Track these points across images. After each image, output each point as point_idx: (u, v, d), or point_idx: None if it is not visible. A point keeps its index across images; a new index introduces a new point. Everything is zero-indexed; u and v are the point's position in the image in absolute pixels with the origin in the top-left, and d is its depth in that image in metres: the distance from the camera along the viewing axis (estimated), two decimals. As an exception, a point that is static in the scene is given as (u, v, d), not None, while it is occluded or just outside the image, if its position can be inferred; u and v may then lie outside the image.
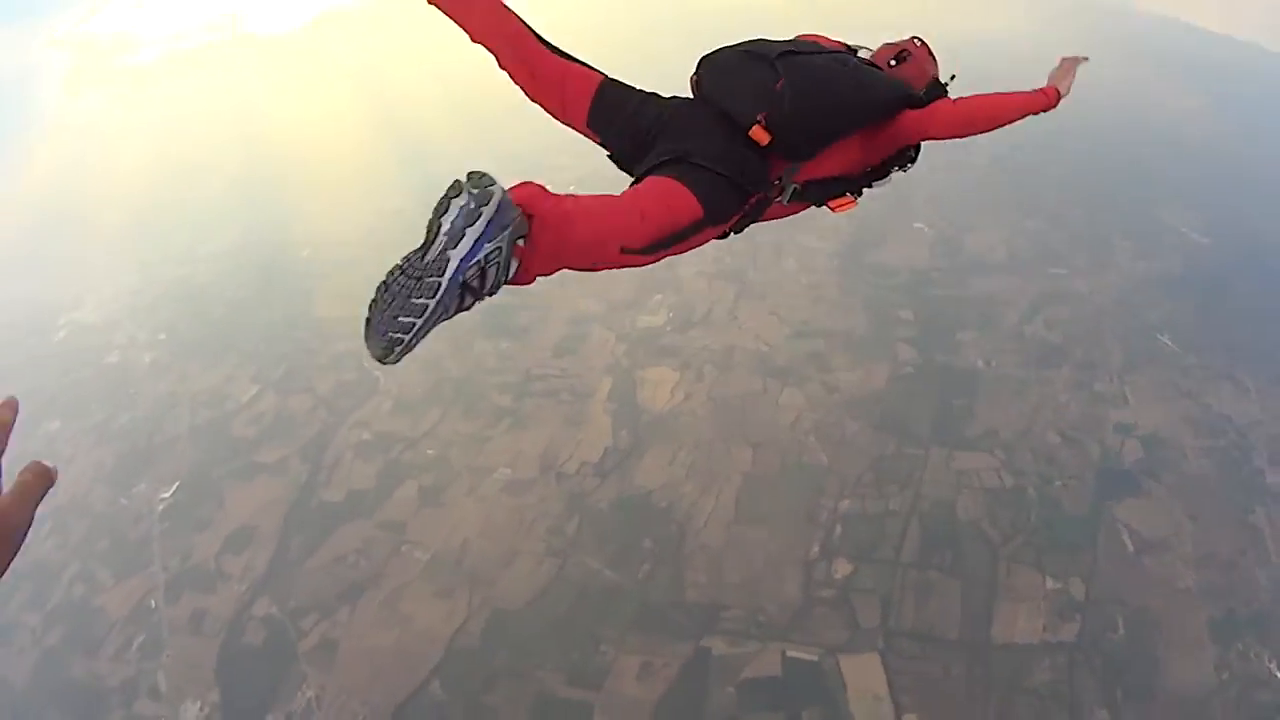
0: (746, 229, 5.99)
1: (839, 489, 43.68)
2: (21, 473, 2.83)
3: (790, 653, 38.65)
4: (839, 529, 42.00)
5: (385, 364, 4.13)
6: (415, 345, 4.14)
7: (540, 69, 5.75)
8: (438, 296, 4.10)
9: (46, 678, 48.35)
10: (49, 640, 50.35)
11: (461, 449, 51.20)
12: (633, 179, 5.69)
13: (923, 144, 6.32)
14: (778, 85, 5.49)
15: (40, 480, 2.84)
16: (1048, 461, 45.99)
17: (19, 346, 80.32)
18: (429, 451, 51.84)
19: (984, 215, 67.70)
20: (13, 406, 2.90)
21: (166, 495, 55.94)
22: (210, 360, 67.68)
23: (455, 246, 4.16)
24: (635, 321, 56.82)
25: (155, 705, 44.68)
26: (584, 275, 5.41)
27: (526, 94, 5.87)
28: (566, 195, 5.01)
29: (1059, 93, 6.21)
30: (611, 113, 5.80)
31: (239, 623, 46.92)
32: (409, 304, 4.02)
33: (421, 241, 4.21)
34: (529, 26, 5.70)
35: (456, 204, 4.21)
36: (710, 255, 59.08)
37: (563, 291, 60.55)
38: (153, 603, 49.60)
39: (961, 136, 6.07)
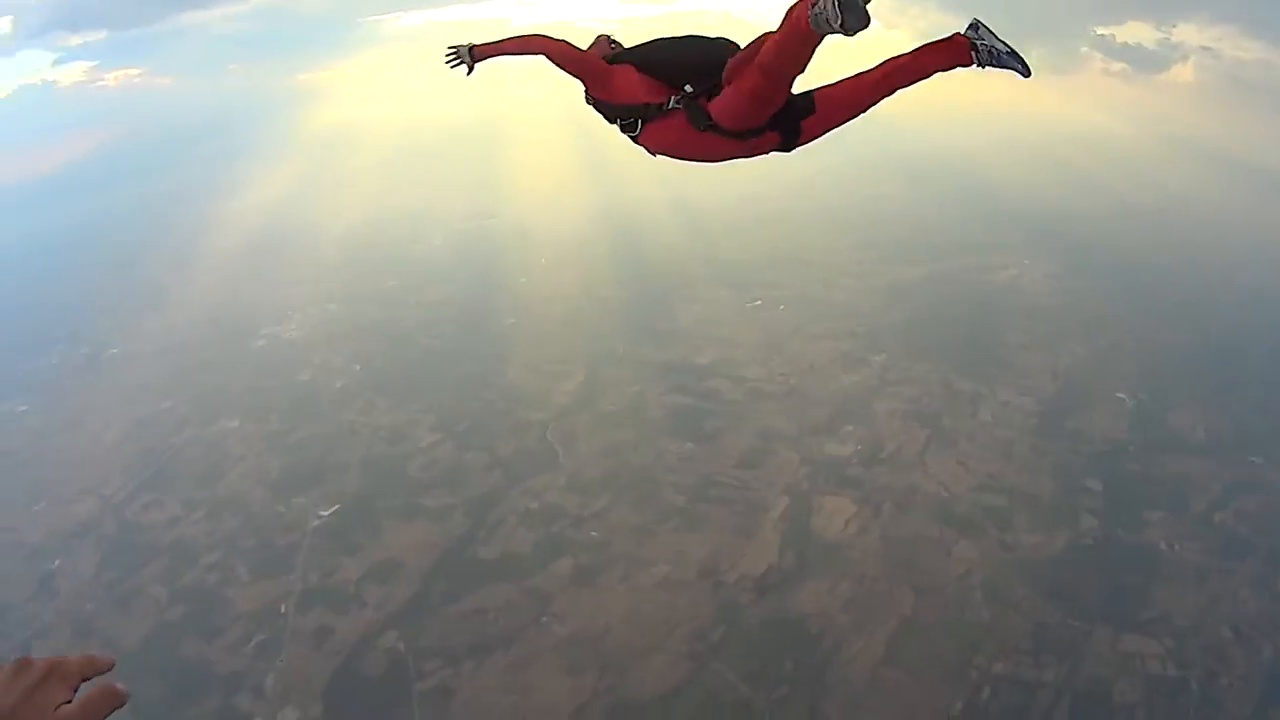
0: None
1: (995, 650, 42.15)
2: (92, 691, 2.78)
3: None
4: (987, 690, 40.50)
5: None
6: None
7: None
8: None
9: (156, 649, 50.26)
10: (170, 615, 52.28)
11: (625, 537, 51.39)
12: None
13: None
14: None
15: (107, 700, 2.78)
16: (1217, 657, 43.40)
17: (218, 345, 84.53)
18: (592, 533, 52.26)
19: (1188, 391, 65.10)
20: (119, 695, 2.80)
21: (324, 514, 57.80)
22: (398, 400, 70.14)
23: None
24: (823, 447, 56.36)
25: (255, 703, 46.01)
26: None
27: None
28: None
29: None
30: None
31: (362, 649, 47.89)
32: None
33: None
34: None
35: None
36: (907, 395, 60.06)
37: (758, 406, 61.21)
38: (283, 608, 50.99)
39: None
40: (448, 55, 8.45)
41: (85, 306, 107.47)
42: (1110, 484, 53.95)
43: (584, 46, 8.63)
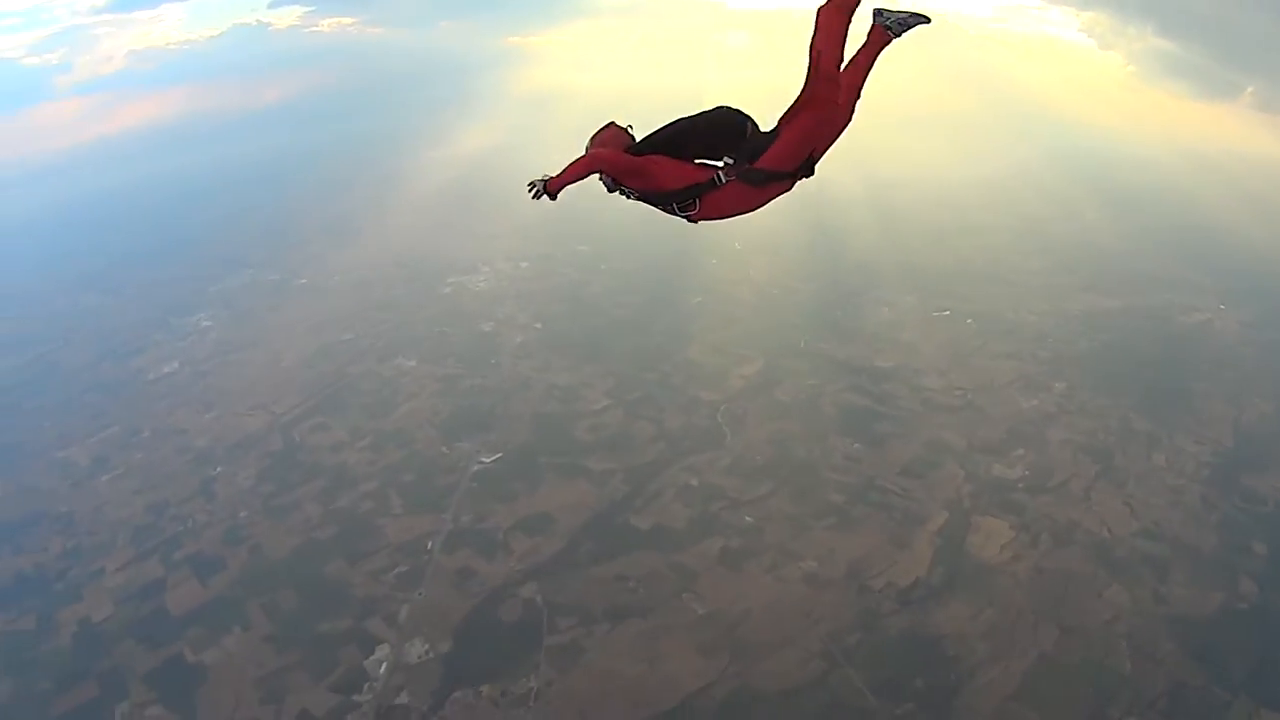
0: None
1: (1130, 704, 40.75)
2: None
3: None
4: None
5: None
6: None
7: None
8: None
9: (300, 563, 53.27)
10: (319, 533, 54.89)
11: (779, 527, 51.61)
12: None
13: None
14: None
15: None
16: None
17: (405, 286, 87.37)
18: (747, 518, 52.63)
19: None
20: None
21: (486, 460, 59.73)
22: (575, 361, 71.88)
23: None
24: (990, 468, 55.58)
25: (386, 630, 48.02)
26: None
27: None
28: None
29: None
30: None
31: (500, 595, 49.51)
32: None
33: None
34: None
35: None
36: (1083, 427, 58.64)
37: (931, 417, 60.83)
38: (429, 545, 52.93)
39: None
40: (530, 188, 9.36)
41: (279, 236, 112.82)
42: (1275, 549, 51.64)
43: (603, 138, 10.22)
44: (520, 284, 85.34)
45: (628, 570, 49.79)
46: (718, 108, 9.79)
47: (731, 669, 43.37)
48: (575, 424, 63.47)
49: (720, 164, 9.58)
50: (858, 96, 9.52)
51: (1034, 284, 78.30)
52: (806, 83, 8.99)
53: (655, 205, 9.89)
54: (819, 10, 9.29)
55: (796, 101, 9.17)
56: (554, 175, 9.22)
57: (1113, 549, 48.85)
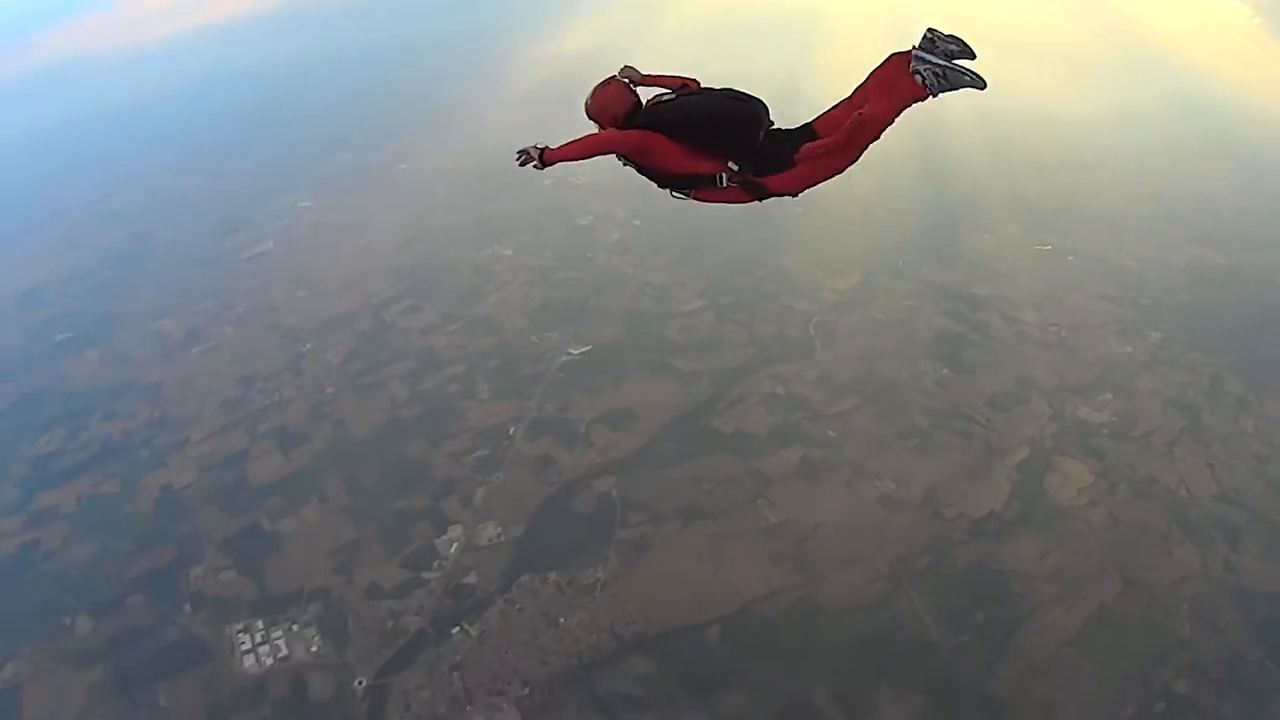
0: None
1: (1183, 667, 40.43)
2: None
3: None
4: (1162, 705, 39.10)
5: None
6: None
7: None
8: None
9: (383, 441, 55.32)
10: (403, 413, 56.64)
11: (860, 444, 52.10)
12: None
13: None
14: None
15: None
16: None
17: (504, 177, 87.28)
18: (830, 432, 53.16)
19: None
20: None
21: (574, 352, 60.84)
22: (670, 261, 72.47)
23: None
24: (1077, 409, 55.00)
25: (461, 511, 49.86)
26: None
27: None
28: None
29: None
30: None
31: (576, 486, 50.96)
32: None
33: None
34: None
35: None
36: (1174, 380, 57.74)
37: (1023, 351, 60.55)
38: (511, 431, 54.25)
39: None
40: (518, 156, 9.14)
41: (379, 124, 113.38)
42: (1355, 532, 50.73)
43: (606, 97, 9.86)
44: (620, 181, 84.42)
45: (705, 472, 50.48)
46: (740, 102, 9.51)
47: (796, 580, 44.03)
48: (666, 323, 64.02)
49: (725, 164, 9.47)
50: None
51: (1139, 228, 76.39)
52: (847, 132, 8.85)
53: (644, 175, 9.83)
54: (892, 59, 9.06)
55: (826, 143, 9.08)
56: (552, 147, 9.02)
57: (1188, 509, 48.12)
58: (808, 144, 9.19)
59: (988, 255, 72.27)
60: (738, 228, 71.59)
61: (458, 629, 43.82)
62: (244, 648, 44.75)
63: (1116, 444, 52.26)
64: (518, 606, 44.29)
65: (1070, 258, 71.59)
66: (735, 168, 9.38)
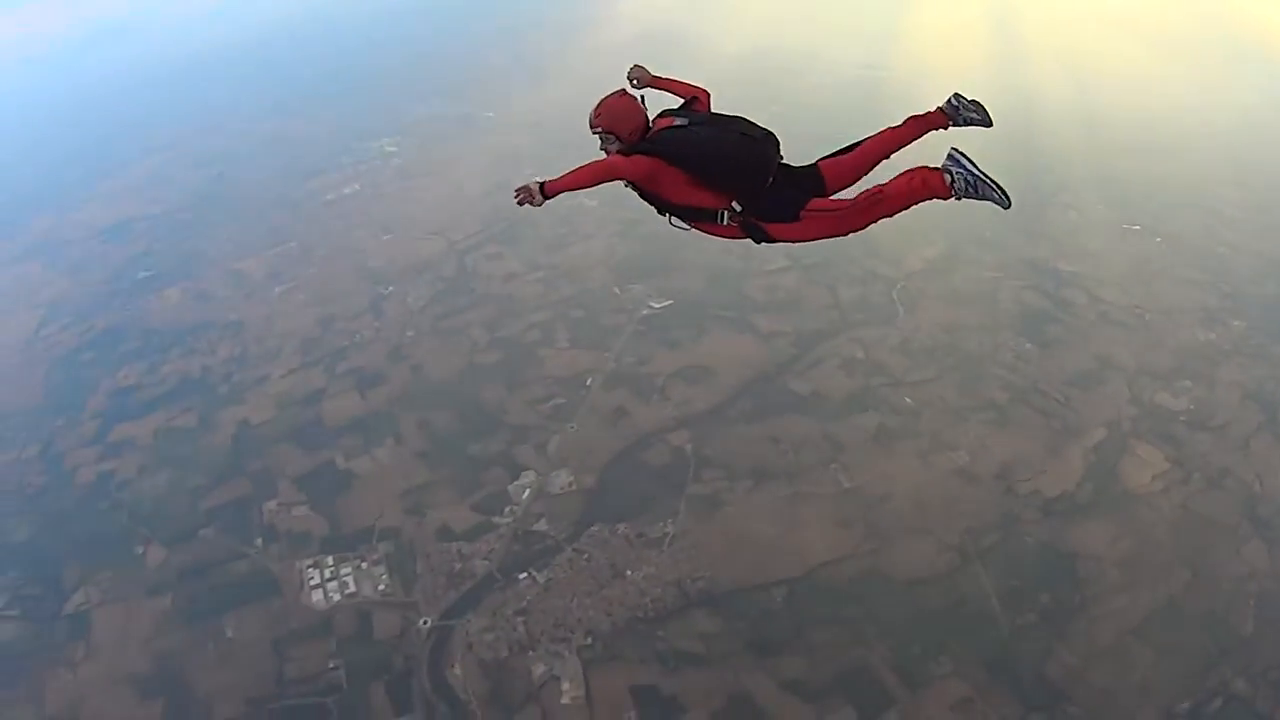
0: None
1: (1242, 666, 39.89)
2: None
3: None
4: (1218, 703, 38.67)
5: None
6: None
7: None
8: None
9: (460, 385, 56.68)
10: (482, 358, 58.23)
11: (937, 414, 52.16)
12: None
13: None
14: None
15: None
16: None
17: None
18: (907, 399, 53.29)
19: None
20: None
21: (656, 306, 61.40)
22: (755, 220, 70.43)
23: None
24: (1155, 394, 54.35)
25: (534, 458, 50.89)
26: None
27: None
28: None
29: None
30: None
31: (651, 439, 51.63)
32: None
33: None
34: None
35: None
36: (1255, 372, 56.62)
37: (1104, 331, 59.77)
38: (588, 381, 54.86)
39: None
40: (517, 195, 8.82)
41: (468, 71, 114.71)
42: None
43: (613, 111, 9.73)
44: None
45: (780, 432, 50.82)
46: (752, 141, 9.27)
47: (864, 548, 44.33)
48: (749, 281, 64.08)
49: (729, 203, 9.44)
50: None
51: (1230, 215, 74.66)
52: (863, 203, 9.09)
53: (644, 199, 9.75)
54: (909, 123, 9.60)
55: (837, 206, 9.30)
56: (552, 179, 8.69)
57: (1260, 505, 47.32)
58: (816, 200, 9.32)
59: (1075, 232, 71.45)
60: (828, 191, 71.38)
61: (525, 575, 44.65)
62: (312, 583, 46.19)
63: (1193, 433, 51.60)
64: (586, 556, 45.07)
65: (1158, 239, 70.41)
66: (738, 208, 9.44)
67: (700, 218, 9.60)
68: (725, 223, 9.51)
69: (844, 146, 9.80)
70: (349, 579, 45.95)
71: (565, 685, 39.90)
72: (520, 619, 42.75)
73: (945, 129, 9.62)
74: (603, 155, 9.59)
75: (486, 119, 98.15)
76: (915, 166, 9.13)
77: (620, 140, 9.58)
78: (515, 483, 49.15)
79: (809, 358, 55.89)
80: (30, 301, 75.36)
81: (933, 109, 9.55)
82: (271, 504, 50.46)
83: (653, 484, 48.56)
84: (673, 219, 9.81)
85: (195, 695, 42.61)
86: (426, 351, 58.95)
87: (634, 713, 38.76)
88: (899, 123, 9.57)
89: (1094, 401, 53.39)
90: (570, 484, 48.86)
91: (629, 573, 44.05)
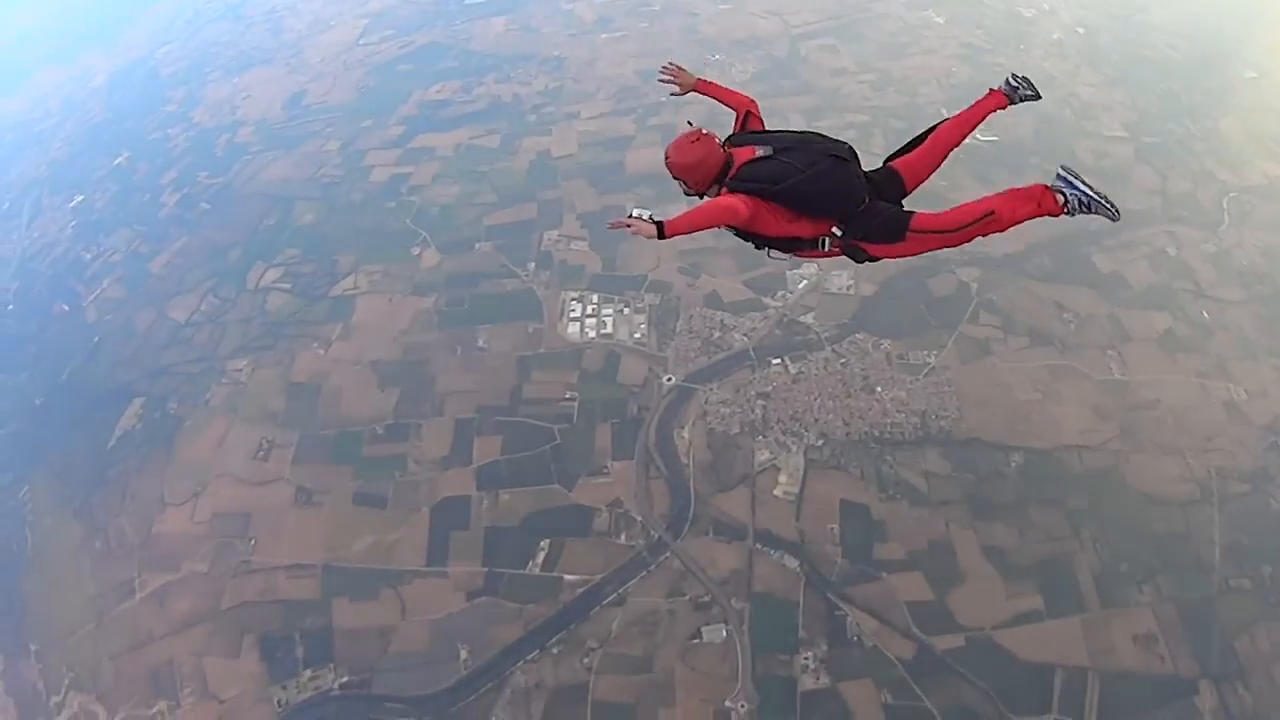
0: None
1: None
2: None
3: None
4: None
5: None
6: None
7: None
8: None
9: None
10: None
11: (1230, 340, 47.95)
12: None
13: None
14: None
15: None
16: None
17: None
18: (1204, 313, 49.54)
19: None
20: None
21: (980, 139, 56.95)
22: (1104, 81, 67.78)
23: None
24: None
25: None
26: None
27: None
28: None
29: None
30: None
31: (940, 267, 50.94)
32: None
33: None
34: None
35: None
36: None
37: None
38: None
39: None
40: (627, 223, 7.95)
41: None
42: None
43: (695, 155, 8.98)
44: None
45: (1069, 301, 49.23)
46: (842, 163, 8.98)
47: (1113, 445, 42.69)
48: (1080, 140, 60.74)
49: (829, 229, 9.21)
50: None
51: None
52: (974, 221, 9.11)
53: (740, 237, 9.25)
54: (986, 100, 9.96)
55: (944, 223, 9.15)
56: (671, 219, 8.01)
57: None
58: (921, 218, 9.15)
59: None
60: (1184, 72, 67.26)
61: (778, 361, 45.37)
62: (572, 315, 48.55)
63: None
64: (842, 361, 45.38)
65: None
66: (839, 233, 9.24)
67: (801, 246, 9.37)
68: (827, 248, 9.36)
69: (909, 142, 9.79)
70: (608, 319, 47.89)
71: (782, 478, 41.02)
72: (761, 402, 43.74)
73: (1004, 108, 10.06)
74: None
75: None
76: (1029, 186, 9.34)
77: (700, 184, 9.18)
78: (795, 270, 49.45)
79: (1120, 237, 52.76)
80: (356, 11, 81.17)
81: (990, 91, 9.93)
82: (553, 234, 53.09)
83: (929, 311, 48.20)
84: (771, 251, 9.52)
85: (432, 391, 45.95)
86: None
87: (837, 526, 39.50)
88: (960, 111, 9.70)
89: None
90: (849, 287, 49.02)
91: (879, 389, 44.30)
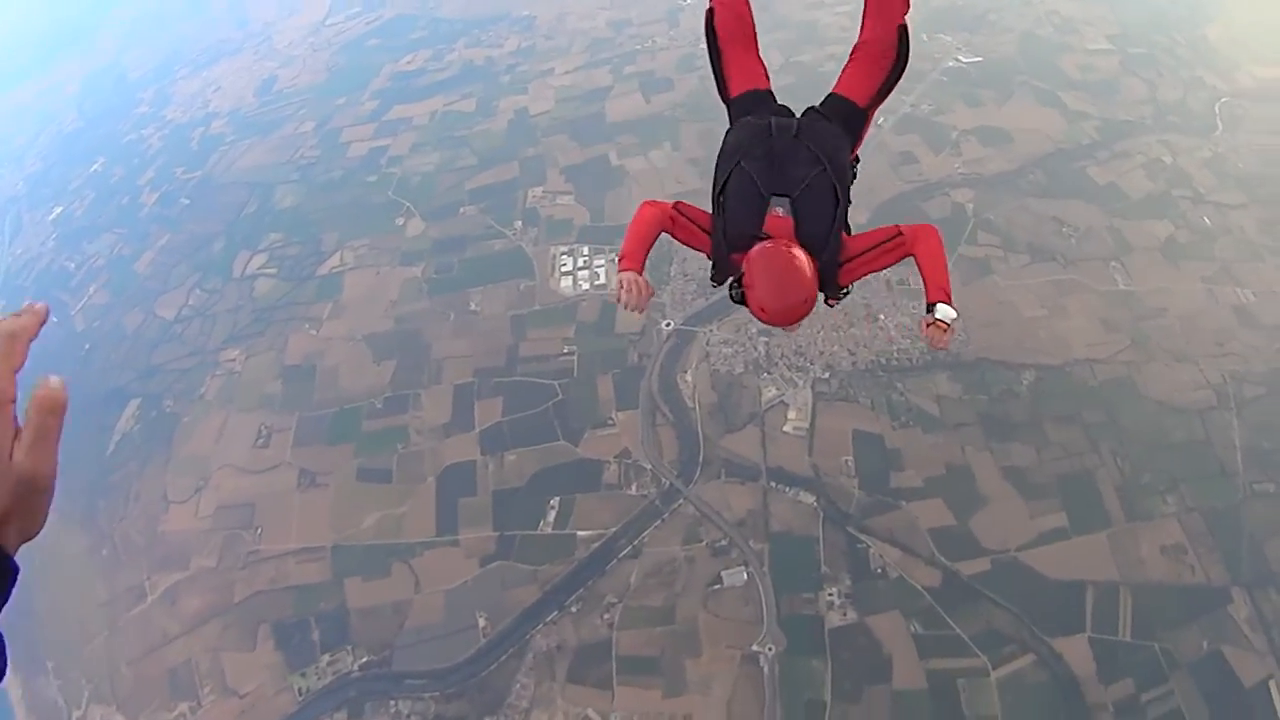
0: None
1: None
2: (36, 412, 2.33)
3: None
4: None
5: None
6: None
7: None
8: None
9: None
10: (774, 79, 54.21)
11: (1233, 243, 47.35)
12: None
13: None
14: None
15: (57, 414, 2.34)
16: None
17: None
18: (1205, 219, 48.88)
19: None
20: (39, 314, 2.45)
21: (964, 60, 60.41)
22: None
23: None
24: None
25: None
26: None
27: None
28: None
29: None
30: None
31: (934, 190, 50.49)
32: None
33: None
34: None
35: None
36: None
37: None
38: (881, 120, 52.81)
39: None
40: (620, 286, 6.93)
41: None
42: None
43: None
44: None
45: (1067, 215, 48.49)
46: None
47: (1124, 356, 42.04)
48: (1064, 55, 60.14)
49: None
50: None
51: None
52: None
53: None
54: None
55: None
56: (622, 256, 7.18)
57: None
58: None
59: None
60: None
61: (776, 295, 44.36)
62: (564, 269, 48.09)
63: None
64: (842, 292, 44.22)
65: None
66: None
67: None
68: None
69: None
70: (600, 270, 47.19)
71: (791, 414, 40.43)
72: (763, 339, 43.16)
73: None
74: None
75: None
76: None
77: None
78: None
79: (1113, 148, 52.09)
80: (319, -10, 79.54)
81: None
82: (537, 190, 52.61)
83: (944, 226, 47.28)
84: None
85: (428, 359, 45.41)
86: (714, 63, 57.53)
87: (851, 458, 38.86)
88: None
89: None
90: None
91: (881, 317, 43.74)
